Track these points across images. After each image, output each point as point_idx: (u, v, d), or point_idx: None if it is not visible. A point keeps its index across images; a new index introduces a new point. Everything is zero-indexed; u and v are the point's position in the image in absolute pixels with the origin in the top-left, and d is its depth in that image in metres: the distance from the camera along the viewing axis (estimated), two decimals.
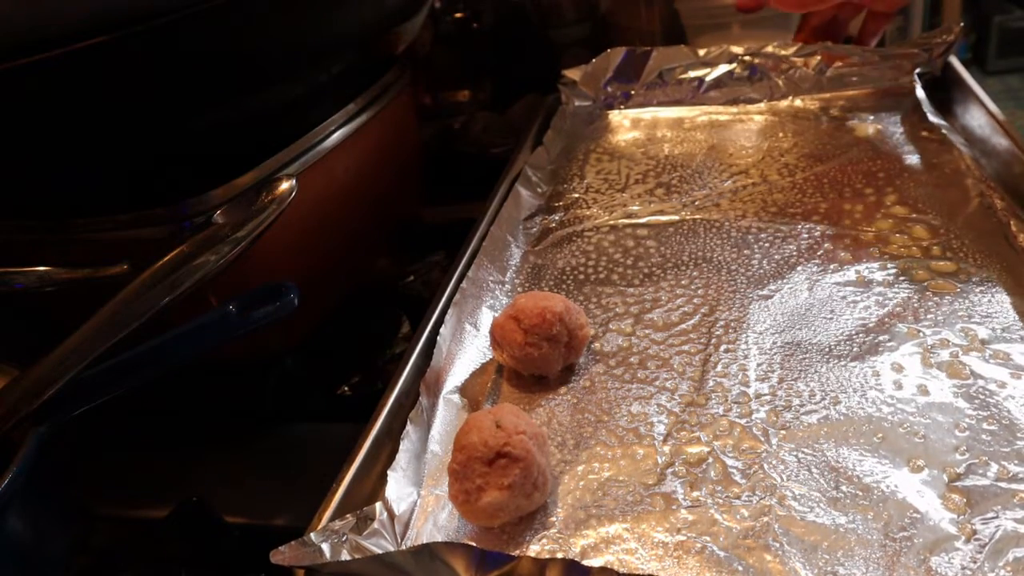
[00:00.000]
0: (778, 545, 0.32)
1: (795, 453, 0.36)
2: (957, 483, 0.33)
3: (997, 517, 0.31)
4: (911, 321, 0.42)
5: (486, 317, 0.48)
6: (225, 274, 0.39)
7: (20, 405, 0.35)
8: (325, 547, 0.33)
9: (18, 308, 0.47)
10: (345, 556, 0.32)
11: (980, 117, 0.60)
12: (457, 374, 0.44)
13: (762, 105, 0.71)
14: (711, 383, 0.41)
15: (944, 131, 0.58)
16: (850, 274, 0.47)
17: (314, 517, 0.35)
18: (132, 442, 0.50)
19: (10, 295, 0.42)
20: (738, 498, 0.34)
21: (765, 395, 0.39)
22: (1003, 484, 0.32)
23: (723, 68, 0.72)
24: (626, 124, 0.72)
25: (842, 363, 0.40)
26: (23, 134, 0.39)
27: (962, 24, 0.70)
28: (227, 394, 0.52)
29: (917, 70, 0.68)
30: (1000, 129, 0.56)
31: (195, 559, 0.41)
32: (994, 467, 0.33)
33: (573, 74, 0.76)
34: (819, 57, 0.70)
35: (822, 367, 0.40)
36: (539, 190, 0.63)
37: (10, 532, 0.35)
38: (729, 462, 0.36)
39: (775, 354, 0.42)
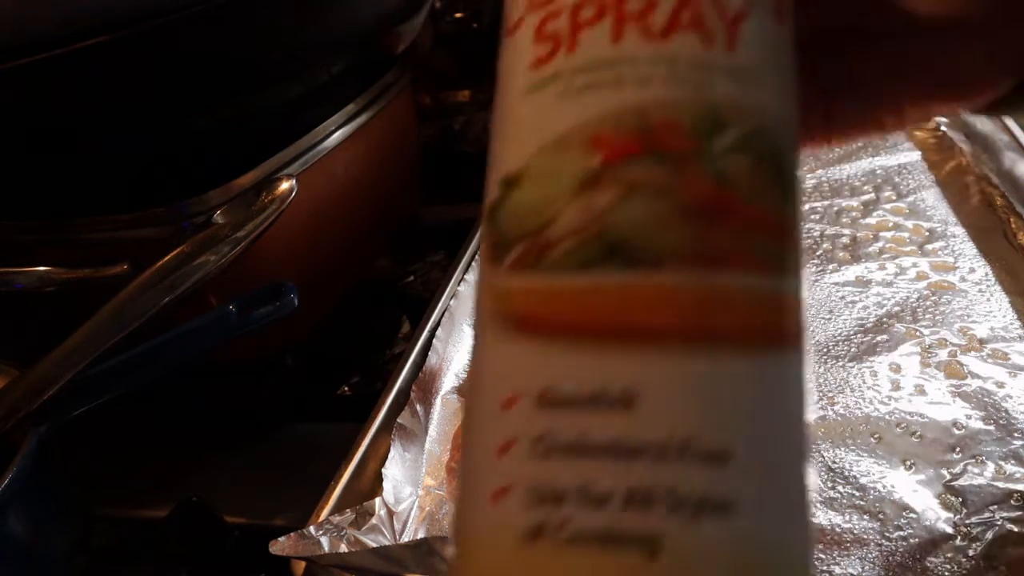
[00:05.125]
0: None
1: None
2: (954, 483, 0.33)
3: (993, 517, 0.31)
4: (909, 321, 0.42)
5: None
6: (225, 274, 0.39)
7: (20, 405, 0.35)
8: (324, 540, 0.33)
9: (18, 308, 0.47)
10: (343, 549, 0.33)
11: None
12: (455, 374, 0.44)
13: None
14: None
15: (944, 128, 0.58)
16: (848, 274, 0.47)
17: (313, 514, 0.35)
18: (132, 442, 0.50)
19: (10, 295, 0.42)
20: None
21: None
22: (1000, 484, 0.33)
23: None
24: None
25: (840, 363, 0.40)
26: (23, 134, 0.39)
27: None
28: (227, 394, 0.52)
29: None
30: (1002, 125, 0.56)
31: (195, 559, 0.41)
32: (991, 467, 0.33)
33: None
34: None
35: (820, 367, 0.40)
36: None
37: (10, 532, 0.35)
38: None
39: None
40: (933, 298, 0.43)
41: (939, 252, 0.47)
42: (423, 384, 0.42)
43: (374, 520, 0.35)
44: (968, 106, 0.23)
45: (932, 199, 0.52)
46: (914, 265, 0.46)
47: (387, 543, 0.34)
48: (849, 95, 0.25)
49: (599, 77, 0.17)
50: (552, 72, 0.17)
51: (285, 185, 0.41)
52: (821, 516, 0.32)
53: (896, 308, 0.43)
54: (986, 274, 0.44)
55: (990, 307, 0.42)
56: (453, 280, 0.50)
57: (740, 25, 0.18)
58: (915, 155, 0.57)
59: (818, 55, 0.24)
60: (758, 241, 0.16)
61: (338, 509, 0.36)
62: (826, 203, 0.54)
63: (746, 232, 0.16)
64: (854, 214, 0.52)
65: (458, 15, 0.90)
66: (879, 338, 0.41)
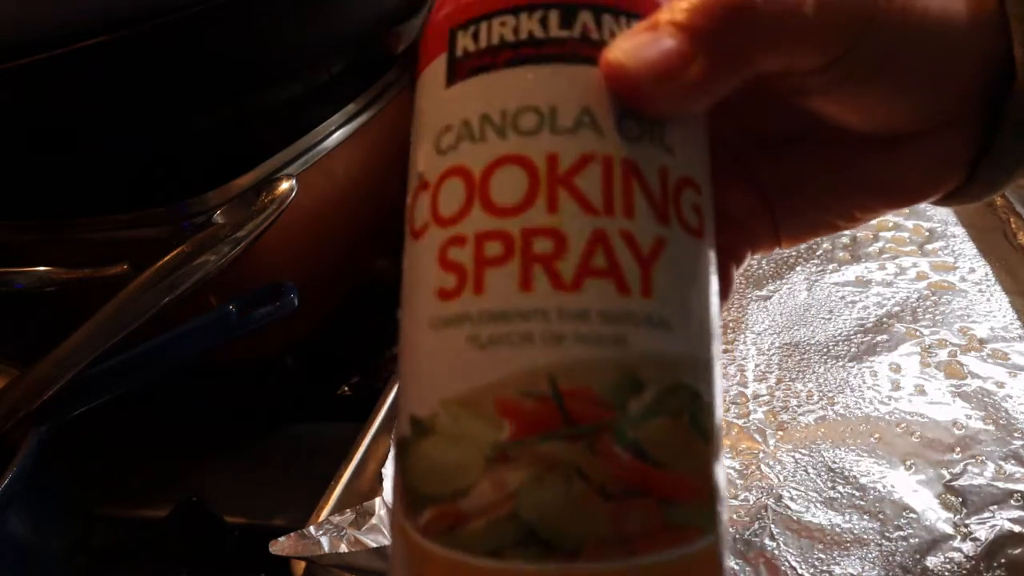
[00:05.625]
0: (775, 545, 0.32)
1: (792, 453, 0.36)
2: (954, 483, 0.33)
3: (993, 517, 0.31)
4: (909, 321, 0.42)
5: None
6: (225, 274, 0.38)
7: (20, 405, 0.35)
8: (324, 540, 0.33)
9: (18, 308, 0.47)
10: (344, 549, 0.33)
11: None
12: None
13: None
14: None
15: None
16: (848, 274, 0.47)
17: (313, 514, 0.35)
18: (132, 442, 0.50)
19: (10, 295, 0.42)
20: (735, 498, 0.34)
21: (763, 395, 0.39)
22: (1000, 484, 0.33)
23: None
24: None
25: (840, 363, 0.40)
26: (23, 134, 0.39)
27: None
28: (227, 394, 0.52)
29: None
30: None
31: (195, 559, 0.41)
32: (991, 467, 0.33)
33: None
34: None
35: (820, 367, 0.40)
36: None
37: (10, 532, 0.35)
38: (727, 462, 0.36)
39: (773, 355, 0.42)
40: (933, 298, 0.43)
41: (939, 252, 0.47)
42: None
43: (374, 520, 0.35)
44: (920, 203, 0.23)
45: None
46: (914, 265, 0.46)
47: (387, 543, 0.34)
48: (796, 203, 0.24)
49: (507, 330, 0.16)
50: (458, 312, 0.16)
51: (285, 185, 0.41)
52: (821, 516, 0.33)
53: (896, 308, 0.43)
54: (986, 274, 0.44)
55: (990, 307, 0.42)
56: None
57: (656, 261, 0.16)
58: None
59: (760, 168, 0.24)
60: (680, 511, 0.15)
61: (338, 509, 0.36)
62: None
63: (667, 505, 0.15)
64: None
65: None
66: (879, 338, 0.41)
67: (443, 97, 0.18)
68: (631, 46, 0.17)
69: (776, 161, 0.24)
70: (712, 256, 0.18)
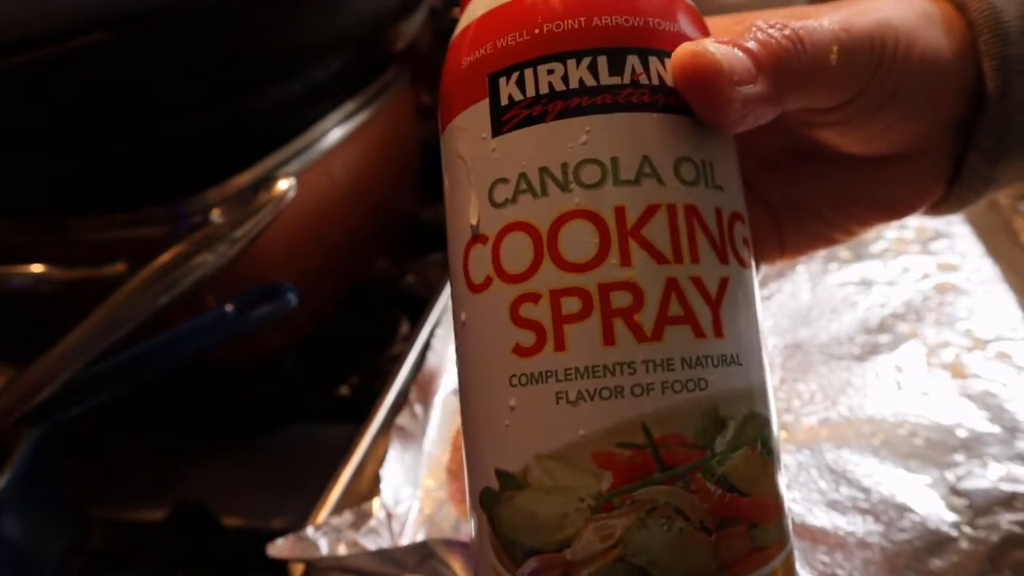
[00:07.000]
0: None
1: (795, 455, 0.35)
2: (958, 485, 0.33)
3: (999, 519, 0.31)
4: (913, 321, 0.42)
5: None
6: (223, 274, 0.38)
7: (16, 406, 0.35)
8: (322, 542, 0.33)
9: (14, 308, 0.47)
10: (342, 551, 0.32)
11: None
12: (455, 374, 0.44)
13: None
14: None
15: None
16: (852, 273, 0.46)
17: (311, 515, 0.35)
18: (129, 443, 0.49)
19: (6, 295, 0.42)
20: None
21: None
22: (1005, 486, 0.32)
23: None
24: None
25: (843, 364, 0.40)
26: (18, 132, 0.39)
27: None
28: (225, 395, 0.52)
29: None
30: None
31: (192, 561, 0.41)
32: (996, 468, 0.33)
33: None
34: None
35: (823, 368, 0.40)
36: None
37: (6, 534, 0.35)
38: None
39: (776, 355, 0.41)
40: (937, 298, 0.43)
41: (943, 252, 0.47)
42: (422, 385, 0.42)
43: (373, 522, 0.34)
44: (908, 216, 0.27)
45: None
46: (918, 265, 0.46)
47: (386, 545, 0.34)
48: (801, 218, 0.27)
49: (596, 385, 0.16)
50: (541, 369, 0.17)
51: (283, 184, 0.41)
52: (824, 518, 0.32)
53: (900, 308, 0.43)
54: (991, 274, 0.44)
55: (995, 307, 0.42)
56: None
57: (723, 301, 0.17)
58: None
59: (768, 187, 0.27)
60: (764, 531, 0.17)
61: (337, 511, 0.35)
62: None
63: (754, 528, 0.17)
64: None
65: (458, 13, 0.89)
66: (882, 338, 0.41)
67: (490, 147, 0.18)
68: (720, 47, 0.18)
69: (783, 180, 0.26)
70: (756, 282, 0.19)
